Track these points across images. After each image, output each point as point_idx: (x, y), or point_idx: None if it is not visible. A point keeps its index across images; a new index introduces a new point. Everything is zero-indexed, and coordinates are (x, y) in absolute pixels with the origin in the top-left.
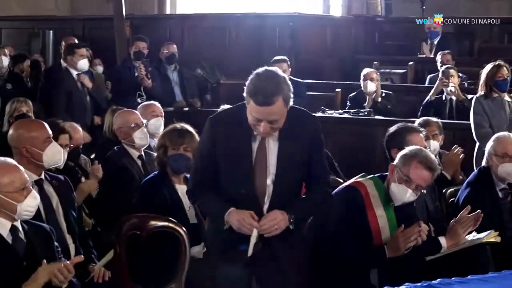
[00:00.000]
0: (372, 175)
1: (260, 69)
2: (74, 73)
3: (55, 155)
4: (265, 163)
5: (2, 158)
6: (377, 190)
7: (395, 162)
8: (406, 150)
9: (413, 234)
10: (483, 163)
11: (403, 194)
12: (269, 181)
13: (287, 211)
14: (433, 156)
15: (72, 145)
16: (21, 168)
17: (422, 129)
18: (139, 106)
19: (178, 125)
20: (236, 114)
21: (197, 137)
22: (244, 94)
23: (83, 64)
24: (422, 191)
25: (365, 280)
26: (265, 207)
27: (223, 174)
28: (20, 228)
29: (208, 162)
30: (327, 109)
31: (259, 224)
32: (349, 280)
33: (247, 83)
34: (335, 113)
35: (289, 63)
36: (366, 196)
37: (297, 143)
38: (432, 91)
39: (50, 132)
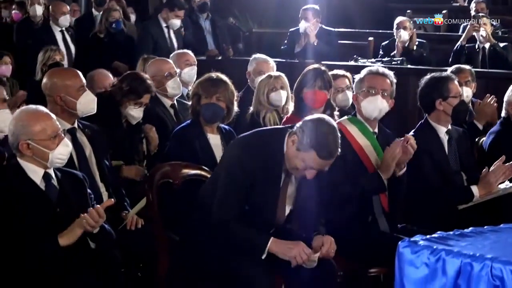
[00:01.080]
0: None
1: (317, 119)
2: (163, 25)
3: (89, 103)
4: (286, 194)
5: (34, 106)
6: (355, 125)
7: (354, 92)
8: (356, 77)
9: (397, 147)
10: (502, 114)
11: (374, 101)
12: (287, 209)
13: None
14: (376, 66)
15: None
16: (53, 116)
17: (453, 76)
18: (172, 55)
19: (214, 74)
20: (269, 147)
21: (231, 86)
22: (300, 140)
23: (175, 23)
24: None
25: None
26: (273, 229)
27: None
28: (53, 175)
29: (242, 195)
30: (359, 58)
31: (322, 249)
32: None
33: (303, 130)
34: (367, 62)
35: (316, 12)
36: (347, 132)
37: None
38: (463, 36)
39: (84, 81)
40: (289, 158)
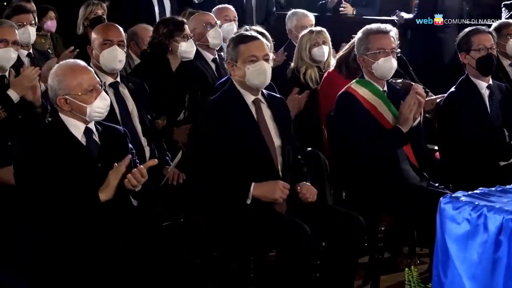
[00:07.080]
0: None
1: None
2: None
3: (112, 59)
4: (267, 128)
5: (72, 61)
6: (364, 87)
7: (359, 54)
8: (357, 37)
9: (412, 99)
10: None
11: (388, 61)
12: (277, 142)
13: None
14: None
15: None
16: (90, 69)
17: (487, 29)
18: (213, 9)
19: (249, 28)
20: (228, 97)
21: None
22: (231, 57)
23: None
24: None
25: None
26: (280, 170)
27: (234, 153)
28: (94, 130)
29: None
30: (401, 13)
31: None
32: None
33: (227, 51)
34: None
35: None
36: (359, 96)
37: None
38: None
39: (116, 36)
40: (242, 79)
